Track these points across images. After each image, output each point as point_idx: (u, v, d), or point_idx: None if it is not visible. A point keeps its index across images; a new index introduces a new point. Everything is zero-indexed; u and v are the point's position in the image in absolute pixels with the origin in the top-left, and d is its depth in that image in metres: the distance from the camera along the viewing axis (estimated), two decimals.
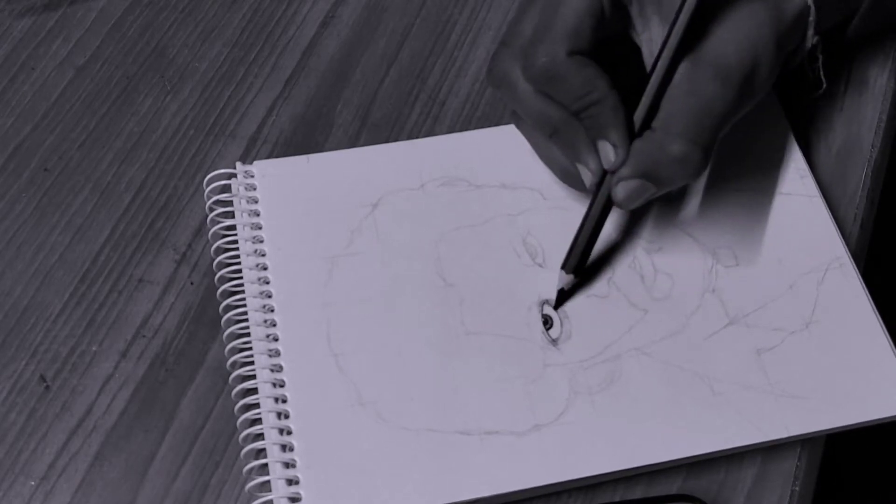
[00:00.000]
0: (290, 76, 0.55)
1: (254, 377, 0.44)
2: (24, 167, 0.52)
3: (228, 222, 0.48)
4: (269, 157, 0.52)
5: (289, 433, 0.43)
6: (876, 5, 0.49)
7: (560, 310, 0.46)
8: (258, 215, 0.49)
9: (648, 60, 0.45)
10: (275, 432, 0.43)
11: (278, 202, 0.49)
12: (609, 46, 0.45)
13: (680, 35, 0.43)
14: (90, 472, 0.44)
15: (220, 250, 0.48)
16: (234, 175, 0.50)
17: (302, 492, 0.41)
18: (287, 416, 0.43)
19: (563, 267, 0.46)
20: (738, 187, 0.50)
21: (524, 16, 0.46)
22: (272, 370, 0.44)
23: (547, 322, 0.46)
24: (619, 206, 0.45)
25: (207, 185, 0.50)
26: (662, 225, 0.48)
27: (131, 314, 0.48)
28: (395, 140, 0.53)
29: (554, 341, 0.45)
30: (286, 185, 0.50)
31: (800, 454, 0.44)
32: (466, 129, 0.53)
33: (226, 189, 0.50)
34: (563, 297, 0.46)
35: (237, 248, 0.48)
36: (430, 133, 0.53)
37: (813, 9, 0.46)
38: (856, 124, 0.53)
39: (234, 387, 0.44)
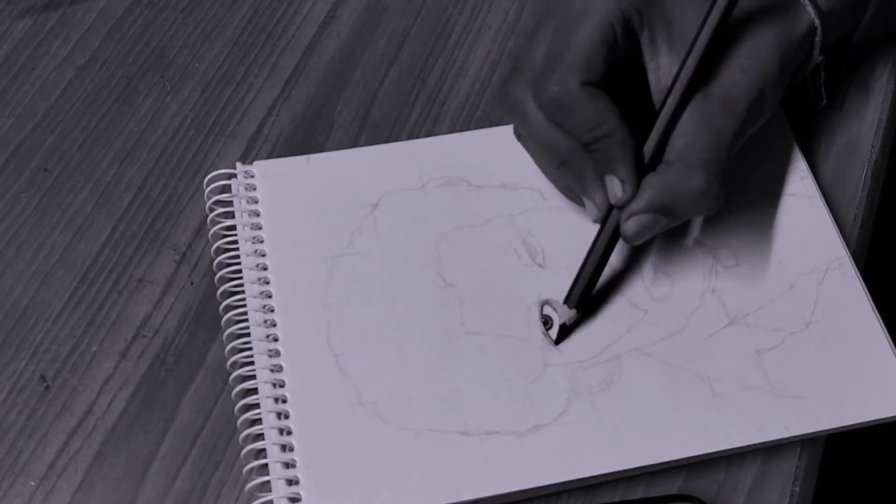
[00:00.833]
0: (290, 76, 0.55)
1: (254, 377, 0.44)
2: (24, 167, 0.52)
3: (228, 222, 0.48)
4: (269, 157, 0.52)
5: (289, 433, 0.43)
6: (877, 17, 0.49)
7: (560, 310, 0.46)
8: (258, 215, 0.49)
9: (655, 88, 0.45)
10: (275, 432, 0.43)
11: (278, 202, 0.49)
12: (619, 71, 0.44)
13: (692, 71, 0.42)
14: (90, 472, 0.44)
15: (220, 250, 0.48)
16: (234, 175, 0.50)
17: (302, 492, 0.41)
18: (287, 417, 0.43)
19: (566, 302, 0.45)
20: (738, 188, 0.49)
21: (535, 40, 0.45)
22: (272, 370, 0.44)
23: (547, 322, 0.46)
24: (627, 241, 0.44)
25: (207, 185, 0.50)
26: None
27: (131, 314, 0.48)
28: (395, 140, 0.53)
29: (554, 341, 0.45)
30: (286, 185, 0.50)
31: (800, 454, 0.44)
32: (466, 129, 0.53)
33: (226, 189, 0.50)
34: (567, 331, 0.45)
35: (237, 248, 0.48)
36: (430, 133, 0.53)
37: (819, 30, 0.46)
38: (856, 124, 0.53)
39: (234, 387, 0.44)
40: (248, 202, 0.49)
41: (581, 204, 0.47)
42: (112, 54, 0.56)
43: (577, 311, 0.45)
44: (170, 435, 0.44)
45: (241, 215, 0.49)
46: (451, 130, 0.53)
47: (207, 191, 0.50)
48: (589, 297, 0.45)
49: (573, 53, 0.43)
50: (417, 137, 0.53)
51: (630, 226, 0.43)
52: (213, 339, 0.47)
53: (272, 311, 0.46)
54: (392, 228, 0.48)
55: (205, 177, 0.50)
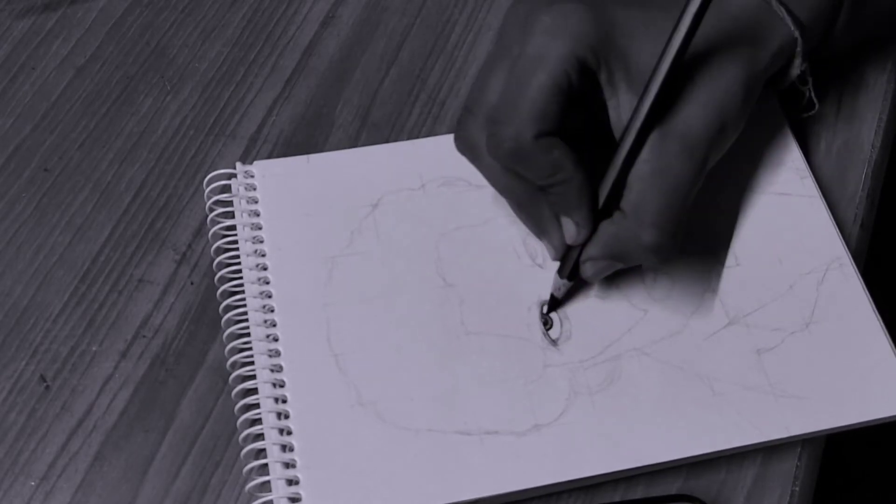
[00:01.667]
0: (290, 76, 0.55)
1: (254, 377, 0.44)
2: (24, 167, 0.52)
3: (228, 222, 0.48)
4: (269, 157, 0.52)
5: (289, 433, 0.43)
6: (852, 23, 0.49)
7: (560, 310, 0.46)
8: (258, 215, 0.49)
9: (616, 125, 0.44)
10: (275, 432, 0.43)
11: (278, 202, 0.49)
12: (578, 109, 0.43)
13: (646, 110, 0.41)
14: (90, 472, 0.44)
15: (220, 250, 0.48)
16: (234, 175, 0.50)
17: (302, 492, 0.41)
18: (287, 417, 0.43)
19: (559, 272, 0.45)
20: (738, 187, 0.49)
21: (489, 79, 0.44)
22: (272, 370, 0.44)
23: (547, 322, 0.46)
24: (587, 280, 0.45)
25: (207, 185, 0.50)
26: None
27: (131, 314, 0.48)
28: (395, 140, 0.53)
29: (554, 341, 0.45)
30: (286, 185, 0.50)
31: (800, 454, 0.44)
32: None
33: (226, 189, 0.50)
34: (556, 302, 0.46)
35: (237, 248, 0.48)
36: (430, 133, 0.53)
37: (800, 40, 0.46)
38: (856, 124, 0.53)
39: (234, 387, 0.44)
40: (248, 202, 0.49)
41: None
42: (112, 54, 0.56)
43: (569, 280, 0.45)
44: (170, 435, 0.44)
45: (241, 215, 0.49)
46: (451, 130, 0.53)
47: (207, 191, 0.50)
48: (577, 265, 0.45)
49: (527, 105, 0.42)
50: (417, 137, 0.53)
51: (587, 268, 0.44)
52: (213, 339, 0.47)
53: (272, 311, 0.46)
54: (392, 228, 0.48)
55: (205, 177, 0.50)
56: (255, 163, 0.50)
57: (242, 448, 0.43)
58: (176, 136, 0.53)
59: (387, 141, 0.53)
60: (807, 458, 0.44)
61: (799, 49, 0.46)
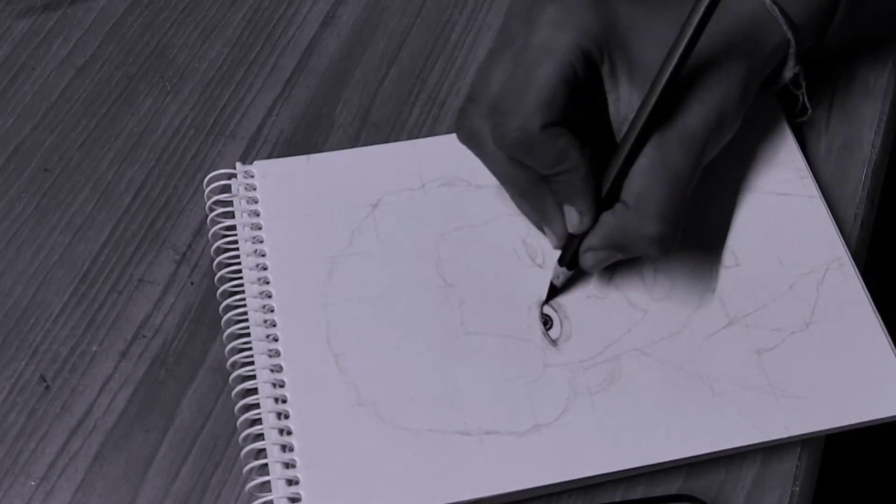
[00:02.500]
0: (290, 76, 0.55)
1: (254, 377, 0.44)
2: (24, 167, 0.52)
3: (228, 222, 0.48)
4: (269, 157, 0.52)
5: (289, 433, 0.43)
6: (847, 23, 0.49)
7: (560, 310, 0.46)
8: (258, 215, 0.49)
9: (615, 118, 0.44)
10: (275, 432, 0.43)
11: (278, 202, 0.49)
12: (579, 100, 0.43)
13: (650, 109, 0.42)
14: (90, 472, 0.44)
15: (220, 250, 0.48)
16: (234, 175, 0.50)
17: (302, 492, 0.41)
18: (287, 417, 0.43)
19: (560, 261, 0.46)
20: (738, 187, 0.50)
21: (492, 70, 0.44)
22: (272, 370, 0.44)
23: (547, 322, 0.46)
24: (586, 270, 0.46)
25: (207, 185, 0.50)
26: None
27: (131, 314, 0.48)
28: (395, 140, 0.53)
29: (554, 341, 0.45)
30: (286, 185, 0.50)
31: (800, 454, 0.44)
32: None
33: (226, 189, 0.50)
34: (555, 291, 0.46)
35: (237, 248, 0.48)
36: (430, 133, 0.53)
37: (793, 42, 0.46)
38: (856, 124, 0.53)
39: (234, 387, 0.44)
40: (248, 202, 0.49)
41: (544, 233, 0.47)
42: (112, 54, 0.56)
43: (569, 269, 0.46)
44: (170, 435, 0.44)
45: (241, 215, 0.49)
46: (451, 130, 0.53)
47: (207, 191, 0.50)
48: (577, 254, 0.45)
49: (533, 95, 0.42)
50: (417, 137, 0.53)
51: (587, 258, 0.45)
52: (213, 339, 0.47)
53: (272, 311, 0.46)
54: (392, 228, 0.48)
55: (205, 177, 0.50)
56: (255, 163, 0.50)
57: (242, 448, 0.43)
58: (176, 136, 0.53)
59: (387, 141, 0.53)
60: (807, 458, 0.44)
61: (792, 50, 0.46)
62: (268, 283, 0.47)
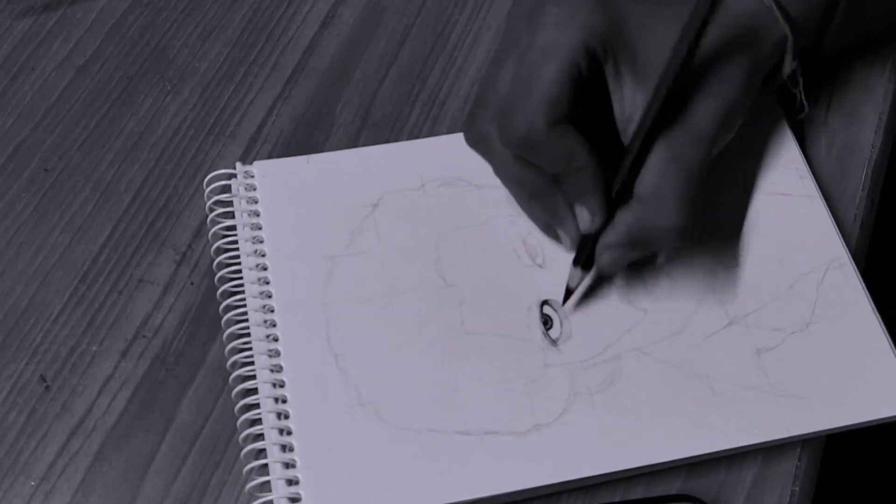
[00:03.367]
0: (290, 76, 0.55)
1: (254, 377, 0.44)
2: (24, 167, 0.52)
3: (228, 222, 0.48)
4: (269, 157, 0.52)
5: (289, 433, 0.43)
6: (849, 23, 0.49)
7: (560, 310, 0.46)
8: (258, 215, 0.49)
9: (620, 117, 0.44)
10: (275, 432, 0.43)
11: (278, 202, 0.49)
12: (584, 99, 0.43)
13: (657, 108, 0.42)
14: (90, 472, 0.44)
15: (220, 250, 0.48)
16: (234, 175, 0.50)
17: (302, 492, 0.41)
18: (287, 417, 0.43)
19: (575, 262, 0.46)
20: (738, 187, 0.50)
21: (498, 73, 0.44)
22: (272, 370, 0.44)
23: (547, 322, 0.46)
24: (601, 273, 0.46)
25: (207, 185, 0.50)
26: None
27: (131, 314, 0.48)
28: (395, 140, 0.53)
29: (554, 341, 0.45)
30: (286, 185, 0.50)
31: (800, 454, 0.44)
32: None
33: (226, 189, 0.50)
34: (570, 293, 0.46)
35: (237, 248, 0.48)
36: (430, 133, 0.53)
37: (791, 38, 0.46)
38: (856, 124, 0.53)
39: (234, 387, 0.44)
40: (248, 202, 0.49)
41: (557, 239, 0.47)
42: (112, 54, 0.56)
43: (584, 270, 0.45)
44: (170, 435, 0.44)
45: (241, 215, 0.49)
46: (451, 130, 0.53)
47: (207, 191, 0.50)
48: (592, 254, 0.45)
49: (539, 93, 0.42)
50: (417, 137, 0.53)
51: (604, 259, 0.44)
52: (213, 339, 0.47)
53: (272, 311, 0.46)
54: (392, 228, 0.48)
55: (205, 177, 0.50)
56: (255, 163, 0.50)
57: (242, 448, 0.43)
58: (176, 136, 0.53)
59: (387, 141, 0.53)
60: (807, 458, 0.44)
61: (790, 46, 0.46)
62: (268, 283, 0.47)
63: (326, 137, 0.53)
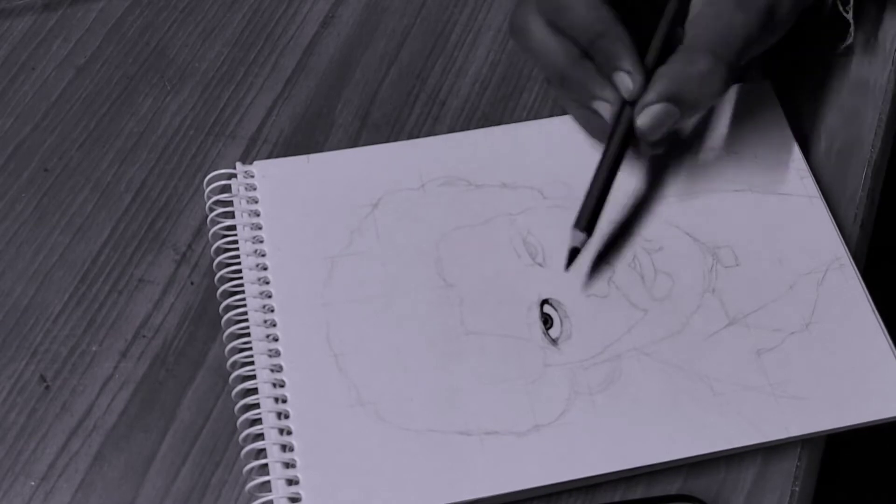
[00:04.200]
0: (290, 76, 0.55)
1: (254, 377, 0.44)
2: (24, 167, 0.52)
3: (228, 222, 0.48)
4: (269, 157, 0.52)
5: (289, 433, 0.43)
6: None
7: (560, 309, 0.46)
8: (258, 215, 0.49)
9: None
10: (275, 432, 0.43)
11: (278, 202, 0.49)
12: None
13: None
14: (90, 472, 0.44)
15: (220, 250, 0.48)
16: (234, 175, 0.50)
17: (302, 492, 0.41)
18: (287, 416, 0.43)
19: (577, 224, 0.45)
20: (738, 187, 0.49)
21: None
22: (272, 370, 0.44)
23: (547, 322, 0.46)
24: (643, 137, 0.45)
25: (207, 185, 0.50)
26: (662, 225, 0.48)
27: (131, 314, 0.48)
28: (395, 140, 0.53)
29: (554, 341, 0.45)
30: (286, 185, 0.50)
31: (800, 454, 0.44)
32: (466, 129, 0.53)
33: (226, 189, 0.50)
34: (575, 255, 0.46)
35: (237, 248, 0.48)
36: (430, 133, 0.53)
37: None
38: (856, 124, 0.53)
39: (234, 387, 0.44)
40: (248, 202, 0.49)
41: (601, 138, 0.47)
42: (112, 54, 0.56)
43: (588, 235, 0.45)
44: (170, 435, 0.44)
45: (241, 215, 0.49)
46: (451, 130, 0.53)
47: (207, 191, 0.49)
48: (597, 218, 0.45)
49: None
50: (417, 137, 0.53)
51: (644, 119, 0.45)
52: (213, 339, 0.47)
53: (272, 311, 0.46)
54: (392, 228, 0.48)
55: (205, 177, 0.50)
56: (255, 163, 0.50)
57: (242, 448, 0.43)
58: (176, 136, 0.53)
59: (387, 141, 0.53)
60: (807, 458, 0.44)
61: None
62: (268, 283, 0.47)
63: (326, 137, 0.53)
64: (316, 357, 0.45)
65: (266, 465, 0.42)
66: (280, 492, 0.41)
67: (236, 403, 0.44)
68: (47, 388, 0.46)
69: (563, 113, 0.52)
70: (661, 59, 0.46)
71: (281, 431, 0.43)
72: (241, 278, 0.47)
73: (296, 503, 0.41)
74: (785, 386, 0.44)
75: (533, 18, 0.47)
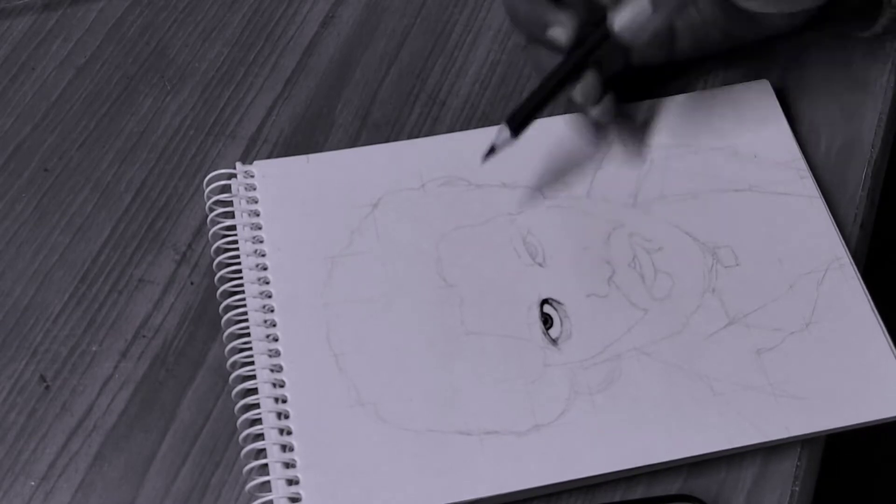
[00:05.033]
0: (290, 76, 0.55)
1: (254, 377, 0.44)
2: (24, 167, 0.52)
3: (228, 222, 0.48)
4: (269, 157, 0.52)
5: (289, 433, 0.43)
6: None
7: (560, 309, 0.46)
8: (258, 215, 0.49)
9: None
10: (275, 432, 0.43)
11: (278, 202, 0.49)
12: None
13: None
14: (90, 472, 0.44)
15: (220, 250, 0.48)
16: (234, 175, 0.50)
17: (302, 492, 0.41)
18: (287, 417, 0.43)
19: (508, 121, 0.46)
20: (738, 187, 0.50)
21: None
22: (272, 370, 0.44)
23: (547, 322, 0.46)
24: (621, 38, 0.45)
25: (207, 185, 0.50)
26: (662, 225, 0.48)
27: (131, 314, 0.48)
28: (395, 140, 0.53)
29: (554, 341, 0.45)
30: (286, 185, 0.50)
31: (800, 454, 0.44)
32: (466, 129, 0.53)
33: (226, 189, 0.50)
34: (492, 153, 0.47)
35: (237, 248, 0.48)
36: (430, 133, 0.53)
37: None
38: (856, 124, 0.53)
39: (234, 387, 0.44)
40: (247, 202, 0.49)
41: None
42: (112, 54, 0.56)
43: (512, 136, 0.46)
44: (170, 435, 0.44)
45: (241, 215, 0.49)
46: (451, 130, 0.53)
47: (207, 191, 0.50)
48: (528, 123, 0.46)
49: None
50: (417, 137, 0.53)
51: (621, 19, 0.44)
52: (213, 339, 0.47)
53: (272, 311, 0.46)
54: (392, 228, 0.48)
55: (205, 177, 0.50)
56: (254, 163, 0.50)
57: (242, 448, 0.43)
58: (176, 136, 0.53)
59: (387, 141, 0.53)
60: (807, 458, 0.44)
61: None
62: (268, 283, 0.47)
63: (326, 137, 0.53)
64: (316, 357, 0.45)
65: (266, 465, 0.42)
66: (280, 492, 0.41)
67: (236, 403, 0.44)
68: (47, 388, 0.46)
69: (563, 113, 0.52)
70: None
71: (281, 431, 0.43)
72: (241, 278, 0.47)
73: (296, 503, 0.41)
74: (785, 386, 0.44)
75: None
